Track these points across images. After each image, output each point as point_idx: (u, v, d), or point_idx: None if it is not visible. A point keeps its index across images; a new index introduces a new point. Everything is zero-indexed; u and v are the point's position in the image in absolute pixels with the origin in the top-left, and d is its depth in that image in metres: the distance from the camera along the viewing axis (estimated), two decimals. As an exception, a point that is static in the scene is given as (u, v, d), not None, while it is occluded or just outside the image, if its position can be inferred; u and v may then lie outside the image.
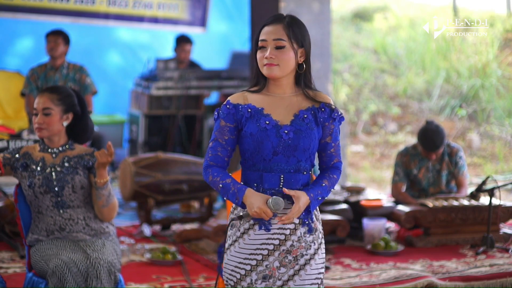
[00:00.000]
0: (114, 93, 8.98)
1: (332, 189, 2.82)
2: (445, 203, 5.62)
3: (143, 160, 6.15)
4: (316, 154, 2.85)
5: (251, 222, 2.75)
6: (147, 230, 5.83)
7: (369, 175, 9.13)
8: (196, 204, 6.59)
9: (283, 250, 2.75)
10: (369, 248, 5.43)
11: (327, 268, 5.00)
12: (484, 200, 5.66)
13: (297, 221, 2.75)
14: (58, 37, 6.52)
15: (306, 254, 2.76)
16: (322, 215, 5.45)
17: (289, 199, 2.74)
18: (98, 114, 8.38)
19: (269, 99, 2.76)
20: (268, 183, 2.73)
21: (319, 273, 2.79)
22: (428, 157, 5.95)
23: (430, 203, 5.61)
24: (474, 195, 5.69)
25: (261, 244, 2.74)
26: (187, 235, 5.64)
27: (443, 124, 10.03)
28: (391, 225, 6.07)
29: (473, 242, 5.55)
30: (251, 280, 2.74)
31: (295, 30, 2.73)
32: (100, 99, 8.17)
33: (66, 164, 3.75)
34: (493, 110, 10.29)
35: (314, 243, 2.79)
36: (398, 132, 10.56)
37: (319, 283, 2.79)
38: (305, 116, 2.73)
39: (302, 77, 2.78)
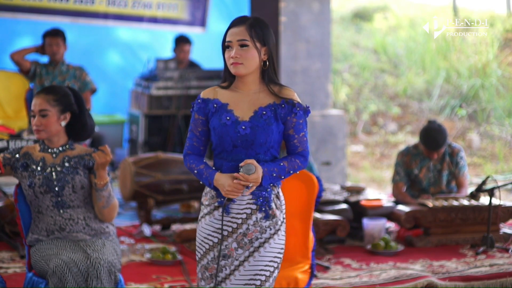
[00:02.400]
0: (114, 93, 8.98)
1: (292, 172, 3.01)
2: (445, 203, 5.62)
3: (143, 160, 6.15)
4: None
5: (216, 204, 2.99)
6: (147, 230, 5.83)
7: (369, 175, 9.12)
8: (196, 204, 6.59)
9: (240, 232, 2.99)
10: (369, 248, 5.43)
11: (327, 268, 5.00)
12: (484, 200, 5.66)
13: (254, 207, 2.99)
14: (58, 38, 6.59)
15: (261, 238, 3.00)
16: (322, 215, 5.46)
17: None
18: (98, 114, 8.37)
19: (235, 95, 3.01)
20: (227, 171, 2.96)
21: (275, 257, 3.01)
22: (429, 157, 5.94)
23: (430, 203, 5.61)
24: (474, 195, 5.69)
25: (220, 226, 3.00)
26: (187, 235, 5.64)
27: (443, 124, 10.01)
28: (391, 225, 6.07)
29: (473, 242, 5.55)
30: (214, 255, 2.99)
31: (257, 30, 2.96)
32: (100, 99, 8.17)
33: (67, 164, 3.75)
34: (493, 110, 10.29)
35: (271, 228, 3.01)
36: (398, 132, 10.56)
37: (275, 266, 3.02)
38: (264, 112, 2.97)
39: (266, 74, 3.00)
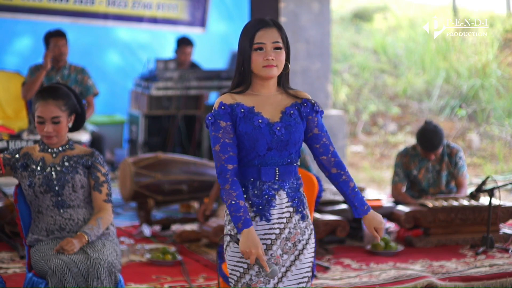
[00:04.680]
0: (114, 93, 8.98)
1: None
2: (445, 204, 5.62)
3: (143, 160, 6.15)
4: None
5: (252, 214, 2.89)
6: (147, 230, 5.83)
7: (369, 175, 9.12)
8: (196, 205, 6.59)
9: (283, 238, 2.92)
10: (369, 248, 5.43)
11: (327, 268, 5.00)
12: (484, 200, 5.67)
13: (291, 209, 2.93)
14: (63, 39, 6.44)
15: (302, 240, 2.95)
16: (322, 215, 5.46)
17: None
18: (98, 114, 8.37)
19: (256, 98, 2.93)
20: (265, 176, 2.89)
21: (312, 257, 3.00)
22: (427, 158, 5.95)
23: (430, 203, 5.61)
24: (474, 195, 5.70)
25: (263, 235, 2.90)
26: (187, 235, 5.64)
27: (443, 124, 10.03)
28: (391, 225, 6.07)
29: (473, 242, 5.55)
30: (259, 268, 2.88)
31: (284, 33, 2.93)
32: (100, 99, 8.15)
33: (66, 164, 3.75)
34: (493, 110, 10.29)
35: (307, 229, 2.97)
36: (398, 132, 10.56)
37: (311, 265, 3.00)
38: (291, 112, 2.92)
39: (284, 77, 2.97)
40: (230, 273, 2.93)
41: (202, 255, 5.30)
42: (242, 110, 2.87)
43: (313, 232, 3.00)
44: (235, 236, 2.87)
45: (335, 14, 12.57)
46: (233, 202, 2.81)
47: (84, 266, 3.52)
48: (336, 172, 3.00)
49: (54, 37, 6.45)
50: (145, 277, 4.79)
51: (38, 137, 5.02)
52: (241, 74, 2.91)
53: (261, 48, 2.87)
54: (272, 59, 2.86)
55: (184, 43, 8.15)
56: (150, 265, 5.06)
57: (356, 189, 2.97)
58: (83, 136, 6.19)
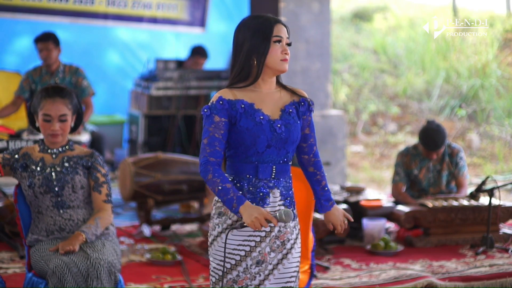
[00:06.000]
0: (114, 93, 8.98)
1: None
2: (445, 203, 5.62)
3: (143, 160, 6.16)
4: None
5: None
6: (146, 230, 5.83)
7: (369, 175, 9.12)
8: (195, 204, 6.59)
9: (273, 236, 2.93)
10: (369, 248, 5.43)
11: (327, 268, 5.00)
12: (484, 200, 5.67)
13: (283, 208, 2.94)
14: (48, 43, 6.35)
15: (291, 239, 2.96)
16: (321, 215, 5.45)
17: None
18: (98, 114, 8.37)
19: (256, 95, 2.93)
20: (262, 173, 2.90)
21: (299, 256, 3.02)
22: (429, 157, 5.94)
23: (430, 203, 5.61)
24: (473, 195, 5.70)
25: (253, 231, 2.90)
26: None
27: (443, 124, 10.01)
28: (391, 225, 6.07)
29: (473, 242, 5.55)
30: (247, 265, 2.90)
31: (289, 32, 2.98)
32: (100, 99, 8.17)
33: (66, 164, 3.75)
34: (492, 110, 10.29)
35: (295, 228, 2.99)
36: (397, 132, 10.56)
37: (298, 265, 3.02)
38: (290, 110, 2.94)
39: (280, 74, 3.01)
40: (213, 269, 2.92)
41: (202, 255, 5.30)
42: (243, 106, 2.87)
43: (299, 231, 3.01)
44: (236, 224, 2.87)
45: (335, 14, 12.57)
46: (220, 187, 2.79)
47: (84, 266, 3.52)
48: (313, 171, 3.05)
49: (39, 42, 6.40)
50: (145, 277, 4.79)
51: (38, 137, 5.02)
52: (247, 68, 2.89)
53: (279, 41, 2.90)
54: (288, 54, 2.91)
55: (199, 53, 8.13)
56: (150, 265, 5.06)
57: (326, 188, 3.04)
58: (83, 136, 6.19)
